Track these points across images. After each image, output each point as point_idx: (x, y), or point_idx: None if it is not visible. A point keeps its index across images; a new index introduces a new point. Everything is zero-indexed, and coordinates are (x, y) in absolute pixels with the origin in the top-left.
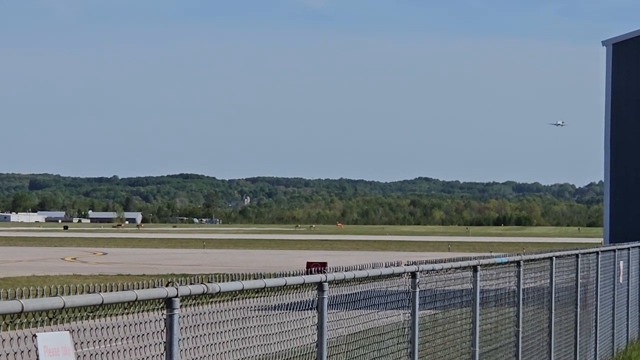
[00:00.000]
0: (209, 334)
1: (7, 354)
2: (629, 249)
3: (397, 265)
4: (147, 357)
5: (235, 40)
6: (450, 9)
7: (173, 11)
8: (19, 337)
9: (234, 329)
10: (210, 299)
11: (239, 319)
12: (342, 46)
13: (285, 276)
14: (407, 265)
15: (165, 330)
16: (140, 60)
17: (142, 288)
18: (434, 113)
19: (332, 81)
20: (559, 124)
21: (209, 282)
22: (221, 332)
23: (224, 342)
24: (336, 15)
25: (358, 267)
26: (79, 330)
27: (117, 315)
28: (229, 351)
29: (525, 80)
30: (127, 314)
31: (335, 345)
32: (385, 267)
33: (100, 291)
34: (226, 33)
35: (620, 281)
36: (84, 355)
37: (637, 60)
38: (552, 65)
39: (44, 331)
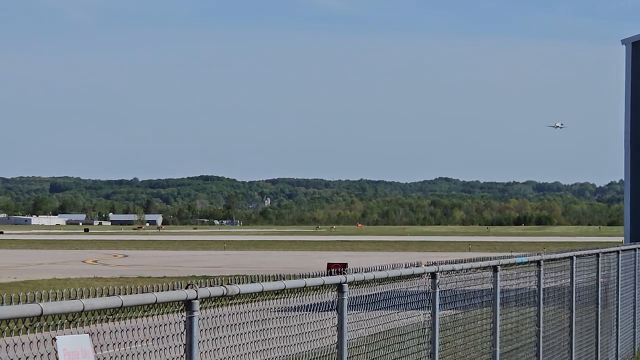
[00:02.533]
0: (229, 335)
1: (27, 357)
2: None
3: (417, 266)
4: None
5: (254, 42)
6: (467, 10)
7: (189, 13)
8: (38, 340)
9: (254, 331)
10: (230, 301)
11: (258, 320)
12: (361, 48)
13: (305, 277)
14: (427, 265)
15: (185, 333)
16: (159, 63)
17: (162, 290)
18: (454, 113)
19: (352, 82)
20: (557, 126)
21: (228, 284)
22: (241, 333)
23: (244, 343)
24: (354, 18)
25: (378, 268)
26: (98, 333)
27: (136, 317)
28: (249, 353)
29: (545, 80)
30: (147, 316)
31: (356, 347)
32: (405, 267)
33: (119, 294)
34: (244, 35)
35: None
36: (104, 358)
37: None
38: (571, 64)
39: (64, 334)
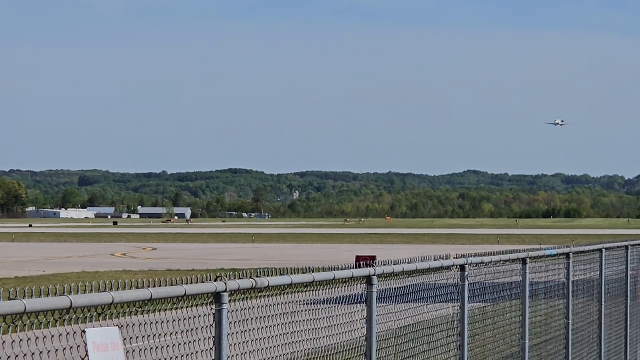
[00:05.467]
0: (258, 328)
1: (57, 350)
2: None
3: (446, 259)
4: (197, 352)
5: (280, 35)
6: (495, 2)
7: (215, 7)
8: (68, 333)
9: (283, 324)
10: (259, 294)
11: (287, 313)
12: (387, 41)
13: (334, 270)
14: (456, 258)
15: (214, 325)
16: (185, 56)
17: (191, 283)
18: (482, 106)
19: (380, 75)
20: (557, 124)
21: (257, 276)
22: (270, 326)
23: (273, 336)
24: (380, 11)
25: (407, 261)
26: (128, 325)
27: (166, 310)
28: (278, 345)
29: (573, 72)
30: (176, 309)
31: (385, 339)
32: (434, 260)
33: (149, 286)
34: (270, 28)
35: None
36: (133, 351)
37: None
38: (599, 56)
39: (93, 327)
